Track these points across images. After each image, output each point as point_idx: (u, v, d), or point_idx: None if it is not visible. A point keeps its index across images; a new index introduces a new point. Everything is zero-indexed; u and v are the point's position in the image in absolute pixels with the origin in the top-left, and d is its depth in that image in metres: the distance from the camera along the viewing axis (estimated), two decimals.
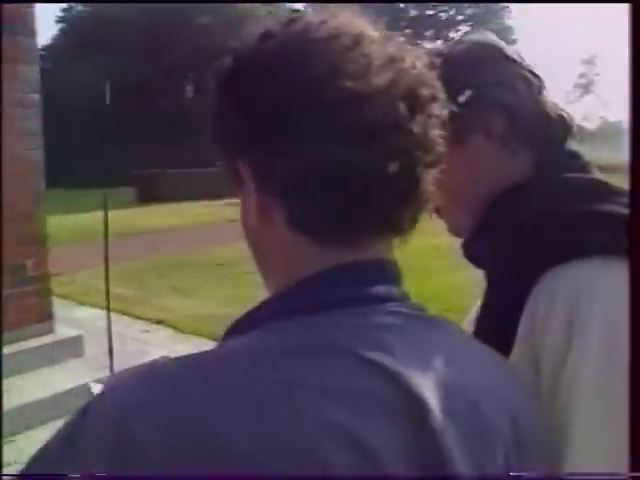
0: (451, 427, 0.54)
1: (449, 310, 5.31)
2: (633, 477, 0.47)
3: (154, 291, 7.69)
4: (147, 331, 5.92)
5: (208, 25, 29.57)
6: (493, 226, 0.90)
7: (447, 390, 0.55)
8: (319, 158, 0.55)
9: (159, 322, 6.21)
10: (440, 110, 0.60)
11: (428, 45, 48.76)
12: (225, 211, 13.07)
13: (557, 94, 63.58)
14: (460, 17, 44.23)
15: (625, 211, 0.81)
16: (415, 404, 0.53)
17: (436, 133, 0.59)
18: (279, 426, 0.48)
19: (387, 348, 0.55)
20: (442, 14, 44.21)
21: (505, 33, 45.03)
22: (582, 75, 63.93)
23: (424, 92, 0.58)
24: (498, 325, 0.84)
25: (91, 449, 0.49)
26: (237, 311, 0.62)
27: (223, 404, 0.48)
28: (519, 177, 0.91)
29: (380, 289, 0.59)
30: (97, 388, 1.00)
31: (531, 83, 0.93)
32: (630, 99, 0.56)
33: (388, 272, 0.61)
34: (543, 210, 0.86)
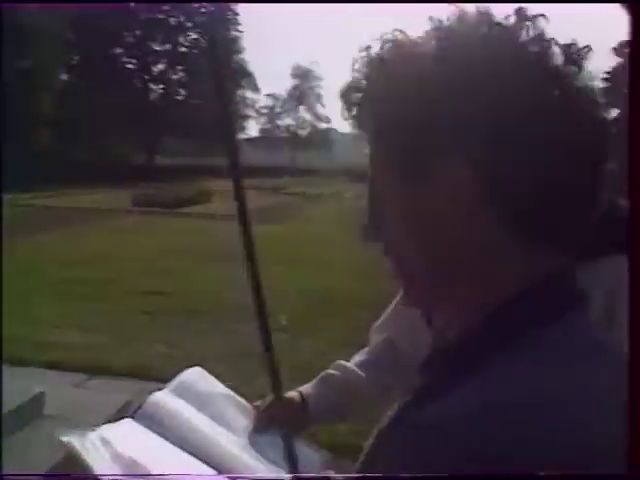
0: None
1: None
2: (633, 477, 0.47)
3: None
4: None
5: None
6: None
7: None
8: (549, 165, 0.55)
9: None
10: None
11: (158, 47, 46.58)
12: None
13: (275, 103, 66.96)
14: (189, 24, 44.28)
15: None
16: None
17: None
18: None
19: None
20: (172, 19, 43.81)
21: (232, 43, 46.20)
22: (296, 87, 68.11)
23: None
24: None
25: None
26: None
27: (596, 407, 0.48)
28: None
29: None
30: (76, 441, 0.88)
31: None
32: (630, 99, 0.56)
33: None
34: None
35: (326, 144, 64.71)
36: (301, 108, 67.55)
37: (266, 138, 65.32)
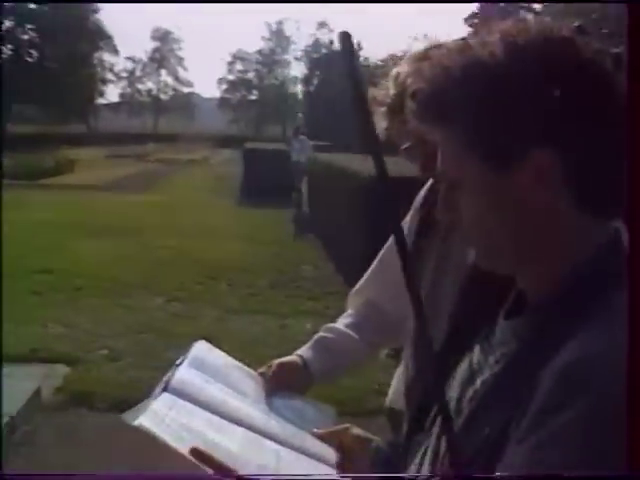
0: None
1: None
2: (633, 477, 0.48)
3: None
4: None
5: None
6: None
7: None
8: (610, 143, 0.64)
9: None
10: None
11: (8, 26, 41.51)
12: None
13: (135, 66, 63.73)
14: None
15: None
16: None
17: None
18: None
19: None
20: None
21: (85, 5, 43.31)
22: (157, 50, 65.26)
23: None
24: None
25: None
26: None
27: None
28: None
29: None
30: (146, 420, 0.86)
31: None
32: (629, 99, 0.59)
33: None
34: None
35: (188, 108, 62.83)
36: (162, 72, 65.08)
37: (127, 103, 62.45)
